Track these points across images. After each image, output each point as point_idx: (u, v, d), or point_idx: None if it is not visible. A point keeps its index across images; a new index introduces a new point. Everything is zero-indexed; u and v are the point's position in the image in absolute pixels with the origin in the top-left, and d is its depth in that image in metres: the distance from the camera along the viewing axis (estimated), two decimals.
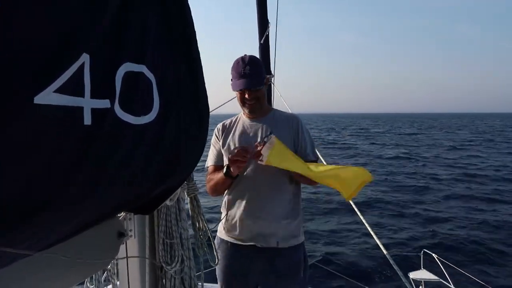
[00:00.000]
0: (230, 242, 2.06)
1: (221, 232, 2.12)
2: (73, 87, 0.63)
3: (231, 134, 2.10)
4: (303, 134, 2.09)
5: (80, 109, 0.65)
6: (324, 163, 2.47)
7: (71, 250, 0.96)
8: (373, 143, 31.67)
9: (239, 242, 2.02)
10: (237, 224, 2.02)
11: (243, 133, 2.09)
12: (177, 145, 1.04)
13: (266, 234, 1.96)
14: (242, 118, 2.15)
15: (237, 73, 1.98)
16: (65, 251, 0.92)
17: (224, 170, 1.95)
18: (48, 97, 0.57)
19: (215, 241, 2.12)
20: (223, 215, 2.11)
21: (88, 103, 0.66)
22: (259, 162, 1.86)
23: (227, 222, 2.09)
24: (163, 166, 0.98)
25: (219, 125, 2.17)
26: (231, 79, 2.04)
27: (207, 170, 2.18)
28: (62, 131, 0.61)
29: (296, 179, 2.05)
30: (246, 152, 1.83)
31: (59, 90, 0.59)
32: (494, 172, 16.99)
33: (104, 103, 0.71)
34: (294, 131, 2.07)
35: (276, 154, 1.86)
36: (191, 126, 1.11)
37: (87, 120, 0.66)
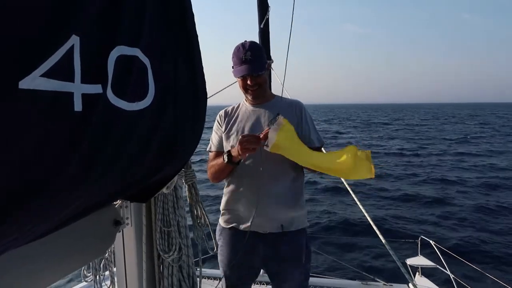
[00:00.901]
0: (232, 229, 2.04)
1: (221, 220, 2.10)
2: (62, 71, 0.59)
3: (233, 120, 2.07)
4: (306, 120, 2.06)
5: (70, 94, 0.61)
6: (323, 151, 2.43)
7: (67, 238, 0.95)
8: (380, 137, 30.84)
9: (241, 229, 2.00)
10: (239, 211, 2.00)
11: (247, 119, 2.05)
12: (174, 132, 1.01)
13: (270, 220, 1.94)
14: (245, 104, 2.12)
15: (238, 59, 1.94)
16: (61, 239, 0.91)
17: (225, 157, 1.92)
18: (34, 81, 0.53)
19: (217, 228, 2.12)
20: (222, 202, 2.09)
21: (78, 88, 0.63)
22: (264, 147, 1.80)
23: (228, 209, 2.06)
24: (159, 153, 0.95)
25: (222, 112, 2.14)
26: (232, 66, 2.00)
27: (208, 155, 2.16)
28: (51, 117, 0.58)
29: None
30: (257, 140, 1.79)
31: (46, 75, 0.55)
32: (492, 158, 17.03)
33: (96, 88, 0.67)
34: (297, 117, 2.04)
35: (284, 137, 1.79)
36: (189, 113, 1.07)
37: (78, 106, 0.63)
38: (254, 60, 1.92)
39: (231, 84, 3.07)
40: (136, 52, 0.80)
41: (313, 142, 2.05)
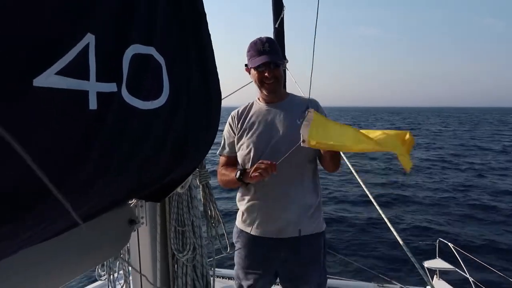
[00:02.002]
0: (249, 234, 2.02)
1: (239, 223, 2.08)
2: (77, 70, 0.59)
3: (247, 120, 2.03)
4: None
5: (85, 92, 0.61)
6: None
7: (82, 237, 0.95)
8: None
9: (259, 234, 1.98)
10: (256, 216, 1.97)
11: (261, 118, 2.00)
12: (188, 132, 1.00)
13: (288, 225, 1.92)
14: (258, 104, 2.07)
15: (255, 51, 1.91)
16: (75, 238, 0.91)
17: (237, 175, 1.90)
18: (49, 79, 0.53)
19: (234, 230, 2.11)
20: (240, 205, 2.07)
21: (93, 87, 0.63)
22: (302, 144, 1.75)
23: (245, 213, 2.04)
24: (173, 153, 0.95)
25: (233, 113, 2.09)
26: (248, 59, 1.95)
27: (219, 158, 2.13)
28: (66, 115, 0.58)
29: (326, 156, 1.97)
30: (273, 169, 1.76)
31: (61, 73, 0.55)
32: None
33: (111, 87, 0.67)
34: None
35: (317, 130, 1.74)
36: (202, 112, 1.07)
37: (93, 104, 0.62)
38: (272, 52, 1.90)
39: (245, 85, 3.06)
40: (151, 50, 0.80)
41: None
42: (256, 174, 1.76)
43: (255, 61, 1.90)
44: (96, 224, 0.95)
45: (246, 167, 1.97)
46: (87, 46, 0.61)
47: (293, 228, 1.92)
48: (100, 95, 0.64)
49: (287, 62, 2.82)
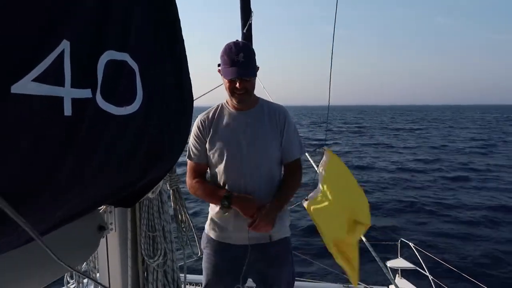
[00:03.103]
0: (219, 241, 2.01)
1: (209, 230, 2.06)
2: (53, 76, 0.59)
3: (217, 126, 1.97)
4: (289, 128, 2.02)
5: (60, 99, 0.61)
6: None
7: (49, 244, 0.93)
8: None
9: (230, 242, 1.98)
10: (227, 225, 1.97)
11: (231, 126, 1.96)
12: (161, 137, 1.01)
13: (258, 234, 1.92)
14: (227, 109, 2.01)
15: (229, 60, 1.81)
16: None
17: (221, 203, 1.89)
18: (26, 86, 0.53)
19: (202, 236, 2.08)
20: (211, 212, 2.05)
21: (68, 93, 0.63)
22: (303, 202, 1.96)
23: (216, 221, 2.02)
24: (146, 158, 0.95)
25: (201, 118, 2.02)
26: (219, 65, 1.89)
27: (187, 163, 2.06)
28: (42, 122, 0.58)
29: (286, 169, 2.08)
30: (251, 202, 1.86)
31: (38, 79, 0.55)
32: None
33: (85, 93, 0.67)
34: (280, 124, 1.99)
35: (333, 170, 1.95)
36: (175, 117, 1.08)
37: (68, 110, 0.62)
38: (246, 63, 1.81)
39: (217, 87, 3.07)
40: (125, 57, 0.80)
41: (293, 154, 2.04)
42: (247, 213, 1.87)
43: (227, 71, 1.84)
44: (64, 231, 0.94)
45: (218, 176, 1.96)
46: (62, 53, 0.61)
47: (264, 236, 1.94)
48: (75, 101, 0.64)
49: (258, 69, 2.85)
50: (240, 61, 1.80)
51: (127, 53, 0.80)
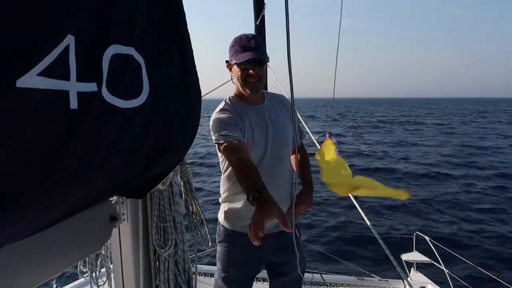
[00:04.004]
0: (235, 231, 2.01)
1: (223, 221, 2.05)
2: (58, 70, 0.61)
3: (244, 123, 1.89)
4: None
5: (66, 92, 0.63)
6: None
7: (63, 233, 0.96)
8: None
9: (245, 231, 1.97)
10: (242, 214, 1.94)
11: (254, 121, 1.92)
12: (168, 129, 1.03)
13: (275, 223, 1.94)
14: (242, 104, 1.94)
15: (241, 47, 1.81)
16: (56, 235, 0.92)
17: (250, 196, 1.57)
18: (31, 80, 0.55)
19: (219, 229, 2.08)
20: (226, 204, 2.04)
21: (74, 87, 0.65)
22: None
23: (229, 210, 2.01)
24: (154, 150, 0.97)
25: (226, 107, 1.90)
26: (231, 55, 1.86)
27: (224, 149, 1.78)
28: (48, 115, 0.60)
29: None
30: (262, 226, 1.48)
31: (43, 73, 0.57)
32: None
33: (91, 86, 0.69)
34: (288, 113, 2.04)
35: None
36: (183, 110, 1.09)
37: (73, 104, 0.64)
38: (258, 49, 1.82)
39: (225, 83, 3.08)
40: (131, 50, 0.82)
41: (300, 139, 2.08)
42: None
43: (240, 57, 1.80)
44: (77, 221, 0.97)
45: None
46: (67, 47, 0.63)
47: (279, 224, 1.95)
48: (80, 94, 0.66)
49: (269, 60, 2.85)
50: (252, 46, 1.80)
51: (132, 47, 0.82)
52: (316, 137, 1.97)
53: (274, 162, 1.92)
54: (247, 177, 1.64)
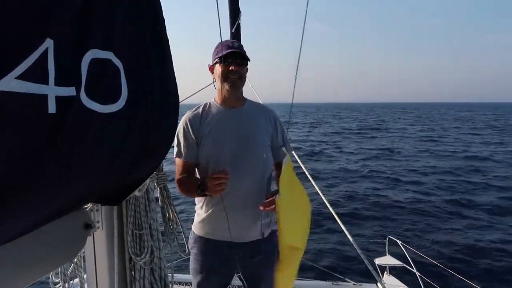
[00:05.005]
0: (208, 238, 1.99)
1: (196, 228, 2.03)
2: (37, 74, 0.60)
3: (209, 126, 1.94)
4: (280, 128, 2.08)
5: (44, 96, 0.62)
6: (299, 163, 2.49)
7: (35, 242, 0.94)
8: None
9: (219, 239, 1.96)
10: (215, 221, 1.94)
11: (223, 122, 1.95)
12: (147, 135, 1.02)
13: (250, 230, 1.93)
14: (217, 107, 1.99)
15: (224, 46, 1.91)
16: (27, 244, 0.90)
17: (197, 191, 1.81)
18: (9, 83, 0.54)
19: (190, 236, 2.07)
20: (199, 212, 2.03)
21: (52, 91, 0.64)
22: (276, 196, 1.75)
23: (205, 220, 1.99)
24: (132, 156, 0.96)
25: (189, 115, 1.99)
26: (215, 55, 1.95)
27: (175, 161, 2.01)
28: (26, 119, 0.59)
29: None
30: (225, 177, 1.70)
31: (21, 77, 0.56)
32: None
33: (69, 91, 0.68)
34: (272, 125, 2.04)
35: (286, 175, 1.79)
36: (161, 115, 1.09)
37: (52, 108, 0.63)
38: (240, 49, 1.93)
39: (206, 86, 3.08)
40: (109, 55, 0.81)
41: (283, 152, 2.04)
42: (217, 189, 1.71)
43: (224, 50, 1.89)
44: (50, 229, 0.94)
45: (210, 173, 1.91)
46: (46, 51, 0.62)
47: (255, 233, 1.94)
48: (59, 99, 0.65)
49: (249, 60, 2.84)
50: (235, 46, 1.92)
51: (111, 52, 0.82)
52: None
53: (242, 166, 1.90)
54: (188, 186, 1.93)
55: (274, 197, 1.75)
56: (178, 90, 1.18)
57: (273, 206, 1.74)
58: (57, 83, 0.65)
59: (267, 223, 1.99)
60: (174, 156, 2.01)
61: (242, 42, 3.69)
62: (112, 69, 0.83)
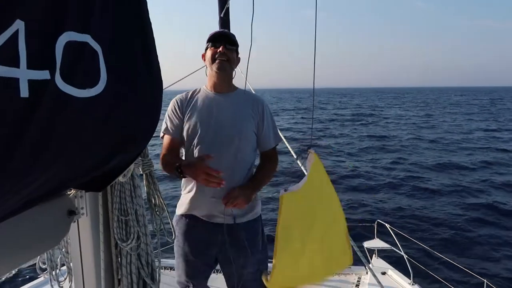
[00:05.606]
0: (187, 217, 2.03)
1: (179, 208, 2.09)
2: (6, 57, 0.58)
3: (193, 107, 2.01)
4: (267, 118, 2.09)
5: (15, 80, 0.60)
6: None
7: (17, 228, 0.93)
8: None
9: (197, 217, 2.01)
10: (194, 201, 1.99)
11: (210, 106, 2.00)
12: (129, 120, 1.00)
13: (222, 212, 1.94)
14: (205, 92, 2.06)
15: (215, 32, 2.03)
16: (9, 230, 0.89)
17: (175, 172, 1.88)
18: None
19: (174, 217, 2.10)
20: (182, 190, 2.09)
21: (24, 74, 0.62)
22: (281, 192, 1.79)
23: (184, 197, 2.06)
24: (113, 141, 0.95)
25: (180, 96, 2.07)
26: (207, 40, 2.04)
27: (161, 139, 2.09)
28: None
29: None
30: (216, 181, 1.75)
31: None
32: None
33: (43, 74, 0.66)
34: (259, 115, 2.06)
35: (316, 176, 1.80)
36: (144, 100, 1.07)
37: (24, 92, 0.62)
38: (231, 34, 2.05)
39: (195, 71, 3.05)
40: (86, 38, 0.79)
41: (270, 143, 2.11)
42: (203, 181, 1.77)
43: (215, 32, 2.02)
44: (32, 216, 0.93)
45: (191, 152, 1.98)
46: (16, 33, 0.60)
47: (227, 217, 1.95)
48: (32, 82, 0.64)
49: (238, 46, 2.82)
50: (226, 32, 2.08)
51: (88, 35, 0.79)
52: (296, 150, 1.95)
53: (225, 149, 1.94)
54: (168, 165, 1.95)
55: (234, 191, 1.88)
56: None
57: (234, 202, 1.85)
58: (30, 66, 0.63)
59: (242, 211, 2.00)
60: (162, 132, 2.08)
61: (232, 28, 3.64)
62: (89, 52, 0.80)
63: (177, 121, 2.03)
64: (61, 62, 0.71)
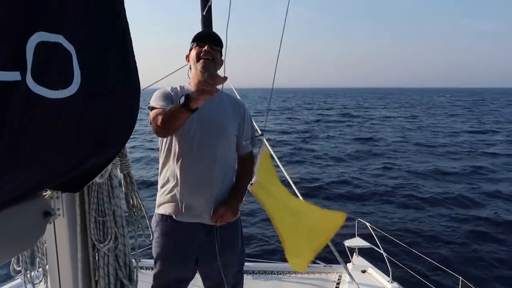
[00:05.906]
0: (167, 217, 2.00)
1: (158, 207, 2.06)
2: None
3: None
4: (248, 121, 2.11)
5: None
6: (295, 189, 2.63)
7: None
8: None
9: (179, 219, 1.98)
10: (173, 200, 1.97)
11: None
12: (105, 121, 1.00)
13: (202, 212, 1.94)
14: (187, 90, 2.04)
15: (201, 32, 2.06)
16: None
17: (182, 100, 1.63)
18: None
19: (153, 218, 2.08)
20: (160, 191, 2.05)
21: None
22: (249, 187, 1.93)
23: (163, 196, 2.02)
24: (88, 143, 0.94)
25: (166, 88, 2.04)
26: (192, 41, 2.04)
27: (150, 115, 1.95)
28: None
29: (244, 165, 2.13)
30: (214, 80, 1.58)
31: None
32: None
33: (13, 76, 0.66)
34: (240, 117, 2.08)
35: (263, 172, 1.93)
36: (120, 100, 1.06)
37: None
38: (217, 35, 2.05)
39: (178, 69, 3.03)
40: (59, 38, 0.78)
41: (247, 147, 2.12)
42: (203, 89, 1.58)
43: (199, 33, 2.03)
44: (7, 217, 0.92)
45: (174, 147, 1.95)
46: None
47: (206, 218, 1.95)
48: (2, 84, 0.63)
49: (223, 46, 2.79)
50: (212, 33, 2.09)
51: (61, 35, 0.79)
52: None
53: (205, 151, 1.93)
54: (169, 111, 1.75)
55: (221, 209, 1.92)
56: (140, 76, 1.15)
57: (223, 220, 1.92)
58: None
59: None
60: (150, 112, 1.96)
61: (215, 27, 3.63)
62: (62, 53, 0.80)
63: (168, 100, 1.96)
64: (32, 63, 0.70)
